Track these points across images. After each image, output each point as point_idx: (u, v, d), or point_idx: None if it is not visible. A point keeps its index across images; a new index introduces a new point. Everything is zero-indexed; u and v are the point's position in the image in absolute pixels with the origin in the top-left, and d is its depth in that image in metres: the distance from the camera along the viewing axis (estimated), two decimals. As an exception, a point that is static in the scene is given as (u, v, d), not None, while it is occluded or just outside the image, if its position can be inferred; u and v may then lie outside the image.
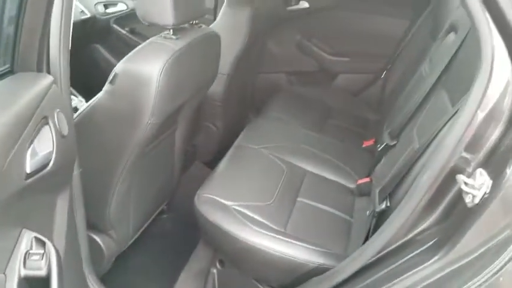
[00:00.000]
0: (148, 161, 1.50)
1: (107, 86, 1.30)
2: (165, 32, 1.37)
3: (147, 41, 1.37)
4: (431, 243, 0.99)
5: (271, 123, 2.09)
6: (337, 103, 2.45)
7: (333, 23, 2.64)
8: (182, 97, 1.46)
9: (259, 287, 1.46)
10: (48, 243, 0.89)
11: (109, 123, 1.34)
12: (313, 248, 1.34)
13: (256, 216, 1.43)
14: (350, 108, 2.45)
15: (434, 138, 1.20)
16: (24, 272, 0.85)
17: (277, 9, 2.55)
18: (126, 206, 1.51)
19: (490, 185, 0.87)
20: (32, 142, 0.85)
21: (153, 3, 1.29)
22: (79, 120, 1.32)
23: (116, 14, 2.75)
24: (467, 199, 0.89)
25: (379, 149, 1.71)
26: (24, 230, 0.88)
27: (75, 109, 1.49)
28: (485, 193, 0.87)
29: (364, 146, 2.04)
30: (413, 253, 1.01)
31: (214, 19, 2.28)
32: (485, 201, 0.86)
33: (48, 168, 0.89)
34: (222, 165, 1.70)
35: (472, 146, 0.92)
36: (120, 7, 2.78)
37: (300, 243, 1.35)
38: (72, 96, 1.48)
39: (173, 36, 1.35)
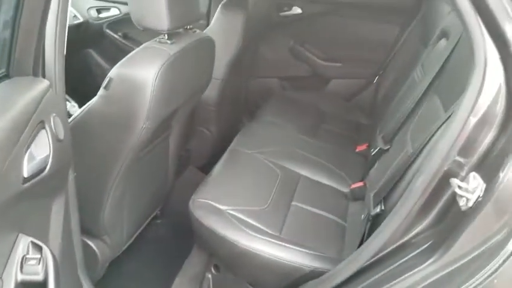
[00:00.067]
0: (142, 166, 1.50)
1: (101, 91, 1.30)
2: (160, 37, 1.37)
3: (142, 45, 1.37)
4: (426, 246, 1.00)
5: (265, 128, 2.10)
6: (330, 108, 2.46)
7: (326, 28, 2.66)
8: (177, 101, 1.46)
9: (254, 291, 1.47)
10: (45, 248, 0.88)
11: (104, 128, 1.33)
12: (308, 251, 1.35)
13: (251, 221, 1.43)
14: (343, 113, 2.47)
15: (427, 142, 1.21)
16: (21, 277, 0.84)
17: (270, 15, 2.57)
18: (120, 211, 1.50)
19: (483, 189, 0.88)
20: (29, 146, 0.85)
21: (148, 8, 1.29)
22: (73, 125, 1.31)
23: (108, 19, 2.74)
24: (461, 202, 0.90)
25: (373, 154, 1.72)
26: (20, 234, 0.88)
27: (68, 114, 1.48)
28: (478, 196, 0.88)
29: (357, 150, 2.05)
30: (408, 256, 1.02)
31: (208, 24, 2.29)
32: (479, 205, 0.88)
33: (45, 172, 0.89)
34: (217, 169, 1.70)
35: (466, 150, 0.93)
36: (113, 12, 2.77)
37: (295, 247, 1.36)
38: (66, 101, 1.48)
39: (168, 41, 1.35)
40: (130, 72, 1.27)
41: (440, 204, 0.99)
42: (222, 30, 2.09)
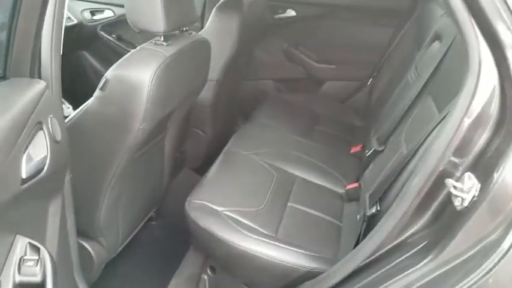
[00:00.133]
0: (138, 167, 1.50)
1: (97, 92, 1.30)
2: (156, 39, 1.37)
3: (138, 47, 1.38)
4: (421, 245, 1.01)
5: (260, 130, 2.10)
6: (325, 110, 2.47)
7: (320, 31, 2.68)
8: (173, 103, 1.46)
9: (250, 292, 1.47)
10: (43, 249, 0.88)
11: (100, 129, 1.33)
12: (304, 252, 1.36)
13: (247, 222, 1.43)
14: (337, 115, 2.48)
15: (422, 143, 1.22)
16: (19, 278, 0.84)
17: (264, 17, 2.58)
18: (115, 213, 1.50)
19: (478, 189, 0.89)
20: (27, 147, 0.85)
21: (144, 10, 1.29)
22: (69, 126, 1.30)
23: (102, 21, 2.74)
24: (457, 202, 0.91)
25: (367, 155, 1.73)
26: (18, 236, 0.88)
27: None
28: (474, 196, 0.89)
29: (351, 152, 2.06)
30: (404, 256, 1.03)
31: (202, 26, 2.30)
32: (474, 204, 0.89)
33: (43, 173, 0.89)
34: (212, 171, 1.70)
35: (461, 150, 0.94)
36: (107, 14, 2.77)
37: (291, 248, 1.36)
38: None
39: (164, 43, 1.36)
40: (127, 73, 1.27)
41: (435, 204, 1.00)
42: (217, 32, 2.09)
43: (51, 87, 1.06)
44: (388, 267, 1.05)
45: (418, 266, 0.98)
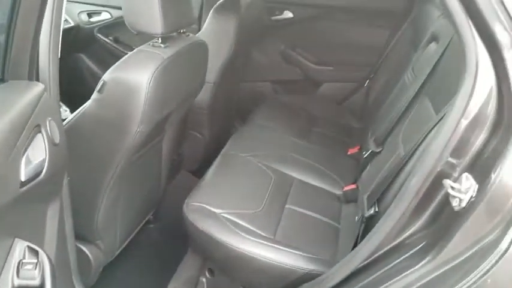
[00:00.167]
0: (135, 170, 1.50)
1: (95, 94, 1.29)
2: (154, 40, 1.37)
3: (136, 49, 1.38)
4: (420, 246, 1.01)
5: (257, 132, 2.11)
6: (322, 111, 2.48)
7: (317, 32, 2.69)
8: (171, 105, 1.46)
9: (249, 295, 1.47)
10: (42, 252, 0.88)
11: (98, 132, 1.33)
12: (303, 254, 1.36)
13: (245, 224, 1.43)
14: (334, 116, 2.48)
15: (419, 144, 1.22)
16: (17, 282, 0.84)
17: (262, 19, 2.59)
18: (113, 216, 1.50)
19: (476, 189, 0.89)
20: (26, 150, 0.84)
21: (142, 12, 1.29)
22: (67, 129, 1.30)
23: (99, 23, 2.73)
24: (454, 203, 0.91)
25: (365, 156, 1.73)
26: (17, 239, 0.87)
27: (61, 118, 1.48)
28: (471, 197, 0.89)
29: (349, 153, 2.06)
30: (403, 257, 1.03)
31: (199, 28, 2.30)
32: (471, 205, 0.89)
33: (41, 176, 0.88)
34: (210, 173, 1.70)
35: (458, 151, 0.94)
36: (104, 16, 2.76)
37: (289, 250, 1.36)
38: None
39: (162, 45, 1.36)
40: (125, 75, 1.27)
41: (433, 204, 1.00)
42: (214, 34, 2.10)
43: (49, 90, 1.06)
44: (386, 268, 1.06)
45: (417, 267, 0.98)
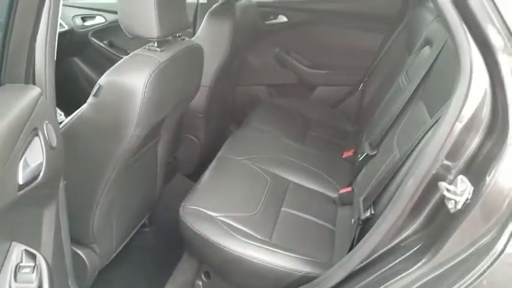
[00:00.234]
0: (131, 173, 1.50)
1: (91, 98, 1.29)
2: (150, 44, 1.37)
3: (132, 53, 1.38)
4: (416, 248, 1.02)
5: (253, 135, 2.11)
6: (317, 115, 2.49)
7: (311, 36, 2.70)
8: (166, 108, 1.46)
9: (245, 297, 1.47)
10: (39, 256, 0.88)
11: (94, 136, 1.33)
12: (299, 257, 1.36)
13: (241, 227, 1.43)
14: (329, 120, 2.49)
15: (414, 147, 1.23)
16: (15, 286, 0.83)
17: (256, 23, 2.60)
18: (109, 219, 1.49)
19: (471, 191, 0.90)
20: (23, 153, 0.84)
21: (138, 16, 1.30)
22: (63, 133, 1.29)
23: (94, 27, 2.74)
24: (450, 205, 0.93)
25: (360, 159, 1.74)
26: (14, 243, 0.87)
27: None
28: (467, 199, 0.90)
29: (344, 156, 2.07)
30: (399, 259, 1.04)
31: (194, 32, 2.30)
32: (467, 207, 0.90)
33: (39, 179, 0.88)
34: (206, 176, 1.70)
35: (453, 153, 0.95)
36: (98, 20, 2.77)
37: (286, 253, 1.37)
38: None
39: (158, 49, 1.36)
40: (121, 79, 1.27)
41: (429, 207, 1.01)
42: (209, 38, 2.10)
43: (45, 93, 1.06)
44: (382, 270, 1.06)
45: (413, 269, 0.99)
